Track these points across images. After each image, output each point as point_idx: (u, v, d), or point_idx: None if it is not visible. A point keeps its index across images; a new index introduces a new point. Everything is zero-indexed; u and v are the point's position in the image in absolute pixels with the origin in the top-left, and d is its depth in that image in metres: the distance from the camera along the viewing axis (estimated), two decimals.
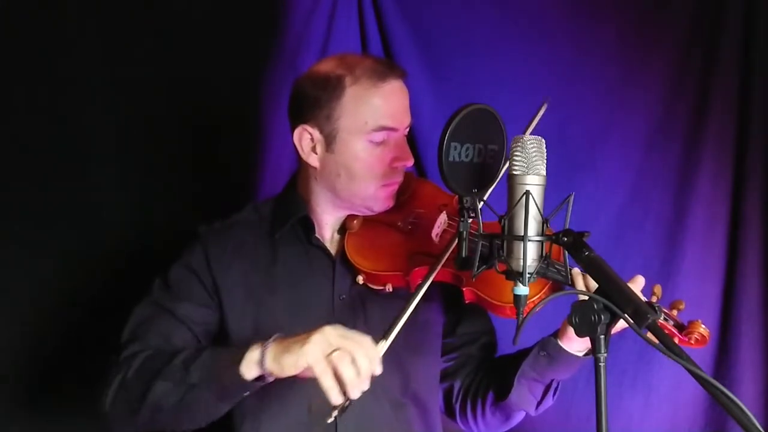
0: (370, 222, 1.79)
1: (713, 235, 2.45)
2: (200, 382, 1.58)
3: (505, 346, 1.90)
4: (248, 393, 1.59)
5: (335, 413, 1.50)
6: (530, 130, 1.69)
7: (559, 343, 1.70)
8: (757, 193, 2.43)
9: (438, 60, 2.35)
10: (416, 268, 1.70)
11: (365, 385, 1.47)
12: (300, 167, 1.82)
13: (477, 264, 1.48)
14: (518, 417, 1.83)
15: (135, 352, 1.68)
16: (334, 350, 1.46)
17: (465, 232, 1.54)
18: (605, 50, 2.43)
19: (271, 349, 1.51)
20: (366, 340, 1.49)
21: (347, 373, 1.45)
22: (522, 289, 1.40)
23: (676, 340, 1.69)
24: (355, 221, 1.79)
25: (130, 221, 2.14)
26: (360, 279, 1.75)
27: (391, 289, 1.74)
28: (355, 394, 1.47)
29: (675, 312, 1.72)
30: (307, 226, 1.78)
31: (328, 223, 1.81)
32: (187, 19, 2.18)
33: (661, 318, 1.69)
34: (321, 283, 1.77)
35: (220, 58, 2.19)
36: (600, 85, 2.43)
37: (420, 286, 1.63)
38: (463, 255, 1.54)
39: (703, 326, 1.69)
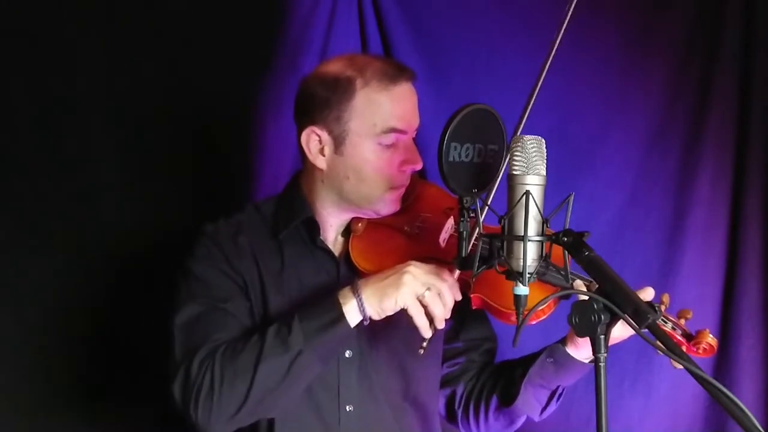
0: (375, 225, 1.77)
1: (713, 235, 2.45)
2: (305, 346, 1.58)
3: (506, 348, 1.90)
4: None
5: (425, 344, 1.63)
6: (564, 25, 1.73)
7: (567, 350, 1.70)
8: (757, 194, 2.43)
9: (438, 60, 2.34)
10: None
11: (449, 315, 1.61)
12: (304, 168, 1.79)
13: (477, 264, 1.48)
14: (521, 421, 1.82)
15: (209, 352, 1.61)
16: (425, 289, 1.58)
17: (465, 232, 1.54)
18: (605, 51, 2.42)
19: (366, 295, 1.60)
20: (445, 272, 1.62)
21: (437, 310, 1.60)
22: (522, 289, 1.40)
23: (684, 350, 1.69)
24: (360, 224, 1.77)
25: (131, 222, 2.14)
26: None
27: None
28: (441, 325, 1.61)
29: (683, 321, 1.72)
30: (312, 227, 1.76)
31: (332, 226, 1.78)
32: (188, 19, 2.17)
33: (670, 327, 1.69)
34: (326, 285, 1.75)
35: (221, 58, 2.19)
36: (600, 85, 2.43)
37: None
38: (463, 255, 1.54)
39: (710, 336, 1.69)
